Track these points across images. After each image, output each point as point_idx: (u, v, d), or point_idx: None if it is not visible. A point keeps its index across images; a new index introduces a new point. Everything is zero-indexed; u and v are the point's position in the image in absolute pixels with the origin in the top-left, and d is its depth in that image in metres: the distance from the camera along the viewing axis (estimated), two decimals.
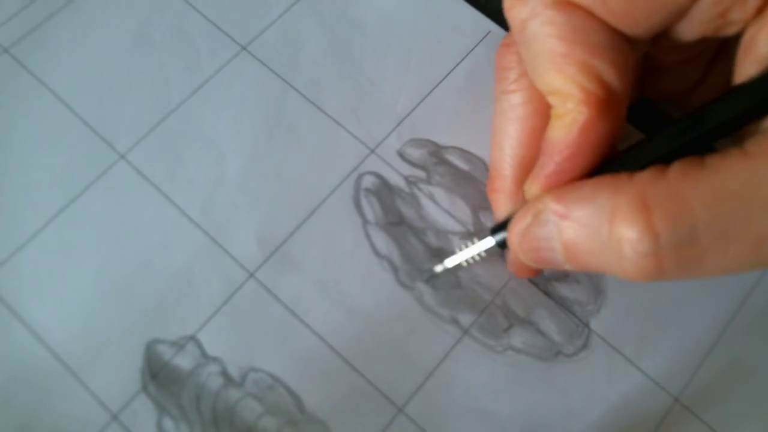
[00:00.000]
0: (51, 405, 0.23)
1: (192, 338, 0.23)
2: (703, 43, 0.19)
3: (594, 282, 0.24)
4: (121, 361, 0.23)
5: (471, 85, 0.27)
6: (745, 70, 0.18)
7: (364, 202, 0.25)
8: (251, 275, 0.24)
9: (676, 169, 0.16)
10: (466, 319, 0.24)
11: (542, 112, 0.20)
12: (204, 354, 0.23)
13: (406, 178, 0.26)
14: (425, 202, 0.26)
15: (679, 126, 0.18)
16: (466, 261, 0.23)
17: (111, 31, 0.28)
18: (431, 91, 0.27)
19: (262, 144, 0.26)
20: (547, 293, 0.24)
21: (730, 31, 0.18)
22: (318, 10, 0.29)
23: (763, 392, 0.23)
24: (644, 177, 0.17)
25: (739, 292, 0.24)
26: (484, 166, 0.26)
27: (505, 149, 0.21)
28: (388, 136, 0.26)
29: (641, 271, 0.17)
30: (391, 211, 0.25)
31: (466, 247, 0.23)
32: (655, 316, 0.24)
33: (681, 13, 0.18)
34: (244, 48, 0.28)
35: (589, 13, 0.18)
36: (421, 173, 0.26)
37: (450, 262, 0.23)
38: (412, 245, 0.25)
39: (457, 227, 0.25)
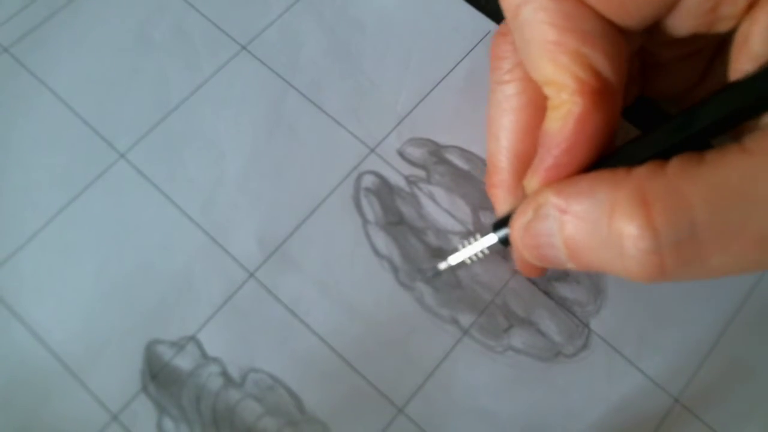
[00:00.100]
0: (51, 405, 0.23)
1: (192, 338, 0.23)
2: (699, 39, 0.19)
3: (594, 282, 0.24)
4: (121, 361, 0.23)
5: (471, 85, 0.27)
6: (740, 66, 0.18)
7: (364, 202, 0.25)
8: (251, 275, 0.24)
9: (675, 164, 0.16)
10: (466, 319, 0.24)
11: (537, 103, 0.20)
12: (204, 354, 0.23)
13: (406, 178, 0.26)
14: (425, 201, 0.26)
15: (675, 122, 0.18)
16: (469, 258, 0.23)
17: (111, 31, 0.28)
18: (431, 91, 0.27)
19: (262, 144, 0.26)
20: (547, 293, 0.24)
21: (724, 27, 0.18)
22: (318, 10, 0.28)
23: (763, 392, 0.23)
24: (643, 172, 0.17)
25: (739, 292, 0.24)
26: (484, 166, 0.26)
27: (501, 141, 0.21)
28: (388, 135, 0.26)
29: (644, 269, 0.16)
30: (391, 211, 0.25)
31: (469, 244, 0.22)
32: (655, 316, 0.24)
33: (671, 5, 0.18)
34: (244, 48, 0.28)
35: (582, 2, 0.18)
36: (421, 173, 0.26)
37: (453, 260, 0.23)
38: (412, 245, 0.25)
39: (457, 227, 0.25)
